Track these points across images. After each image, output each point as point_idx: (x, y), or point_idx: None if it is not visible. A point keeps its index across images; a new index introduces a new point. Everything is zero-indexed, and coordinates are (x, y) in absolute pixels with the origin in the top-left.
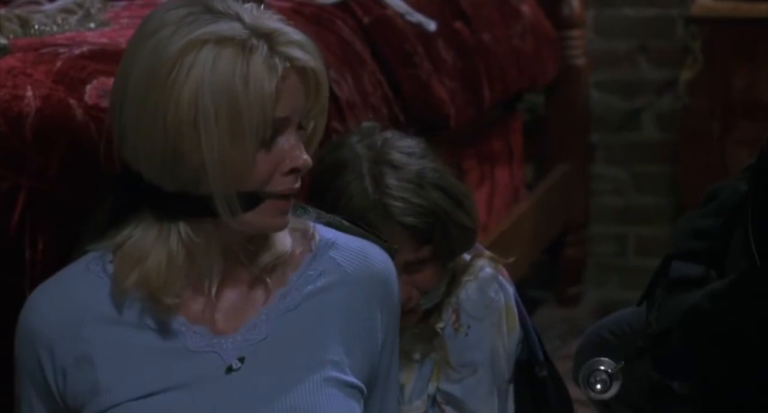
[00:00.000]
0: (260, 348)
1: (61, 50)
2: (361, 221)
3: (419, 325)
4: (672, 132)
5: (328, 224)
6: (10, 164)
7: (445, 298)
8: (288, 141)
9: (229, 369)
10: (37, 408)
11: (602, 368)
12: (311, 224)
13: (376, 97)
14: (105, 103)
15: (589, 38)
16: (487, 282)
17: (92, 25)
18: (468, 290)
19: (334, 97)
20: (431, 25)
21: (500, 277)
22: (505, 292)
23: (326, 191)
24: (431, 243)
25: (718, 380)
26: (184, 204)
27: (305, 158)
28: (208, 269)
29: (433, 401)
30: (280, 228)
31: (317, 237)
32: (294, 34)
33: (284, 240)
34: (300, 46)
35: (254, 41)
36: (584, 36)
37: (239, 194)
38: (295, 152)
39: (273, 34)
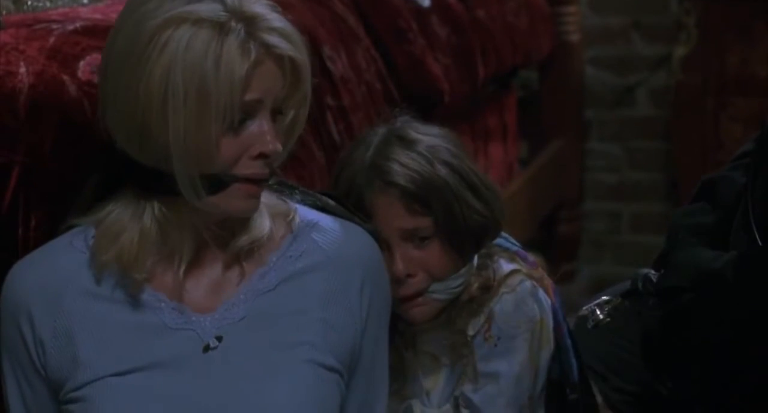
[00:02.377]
0: (238, 327)
1: (54, 26)
2: (352, 194)
3: (447, 329)
4: (666, 108)
5: (313, 204)
6: (3, 140)
7: (480, 306)
8: (259, 126)
9: (206, 348)
10: (22, 385)
11: (604, 299)
12: (293, 205)
13: (371, 73)
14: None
15: (583, 14)
16: (525, 297)
17: (85, 0)
18: (503, 303)
19: (327, 73)
20: (425, 1)
21: (540, 292)
22: (542, 307)
23: (337, 169)
24: (430, 215)
25: (727, 363)
26: (158, 181)
27: (275, 144)
28: (180, 247)
29: (455, 404)
30: (249, 212)
31: (298, 219)
32: (276, 21)
33: (262, 223)
34: (280, 33)
35: (233, 24)
36: (578, 12)
37: (204, 175)
38: (264, 137)
39: (254, 19)
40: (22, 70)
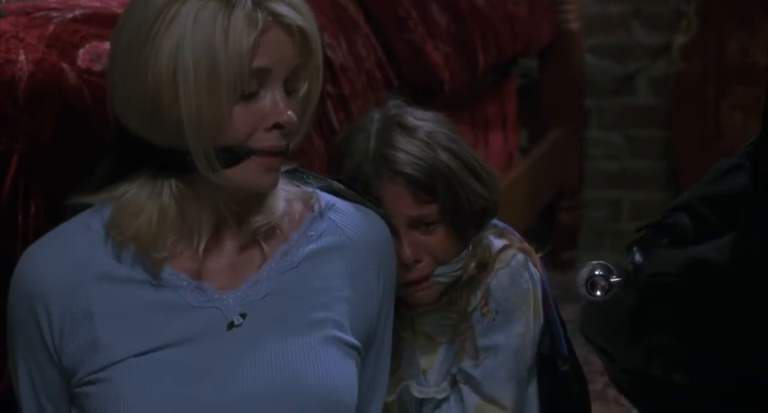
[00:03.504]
0: (261, 304)
1: (54, 14)
2: (358, 182)
3: (448, 310)
4: (666, 97)
5: (328, 189)
6: (2, 128)
7: (477, 283)
8: (272, 97)
9: (231, 325)
10: (33, 369)
11: (600, 273)
12: (311, 189)
13: (370, 62)
14: (98, 67)
15: (583, 2)
16: (519, 270)
17: None
18: (500, 278)
19: (327, 61)
20: None
21: (531, 265)
22: (534, 281)
23: (336, 155)
24: (436, 202)
25: (713, 344)
26: (172, 160)
27: (289, 114)
28: (198, 225)
29: (453, 380)
30: (268, 186)
31: (319, 200)
32: None
33: (277, 205)
34: (288, 3)
35: None
36: (578, 0)
37: (219, 149)
38: (278, 107)
39: None
40: (22, 58)
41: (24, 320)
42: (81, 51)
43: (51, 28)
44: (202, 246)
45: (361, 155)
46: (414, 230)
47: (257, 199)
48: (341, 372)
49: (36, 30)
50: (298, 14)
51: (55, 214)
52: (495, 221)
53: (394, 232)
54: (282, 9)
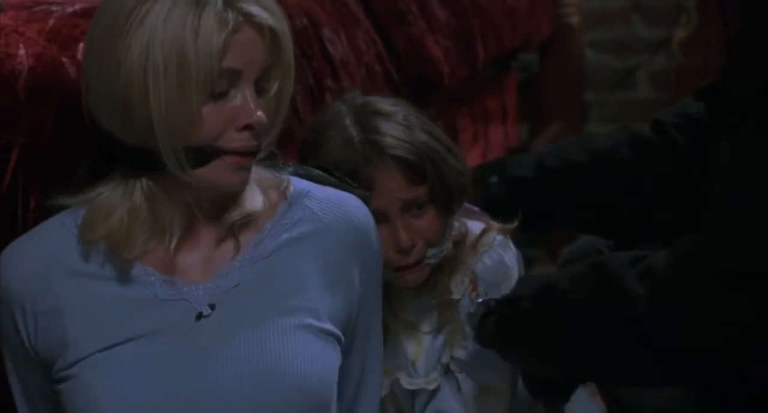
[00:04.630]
0: (232, 294)
1: (54, 8)
2: (342, 170)
3: (429, 294)
4: (666, 91)
5: (306, 176)
6: (2, 122)
7: (457, 264)
8: (242, 97)
9: (199, 316)
10: (20, 371)
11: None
12: (285, 176)
13: (370, 56)
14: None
15: None
16: (503, 249)
17: None
18: (484, 261)
19: (327, 56)
20: None
21: (510, 243)
22: (517, 258)
23: (309, 153)
24: (425, 183)
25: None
26: (142, 158)
27: (259, 114)
28: (170, 223)
29: (446, 370)
30: (238, 186)
31: (291, 188)
32: None
33: (254, 198)
34: (259, 3)
35: None
36: None
37: (188, 148)
38: (248, 106)
39: None
40: (22, 52)
41: (6, 322)
42: (81, 45)
43: (51, 22)
44: (173, 244)
45: (343, 146)
46: (406, 214)
47: (231, 195)
48: (317, 359)
49: (36, 24)
50: (268, 14)
51: (54, 208)
52: None
53: (383, 218)
54: (253, 9)
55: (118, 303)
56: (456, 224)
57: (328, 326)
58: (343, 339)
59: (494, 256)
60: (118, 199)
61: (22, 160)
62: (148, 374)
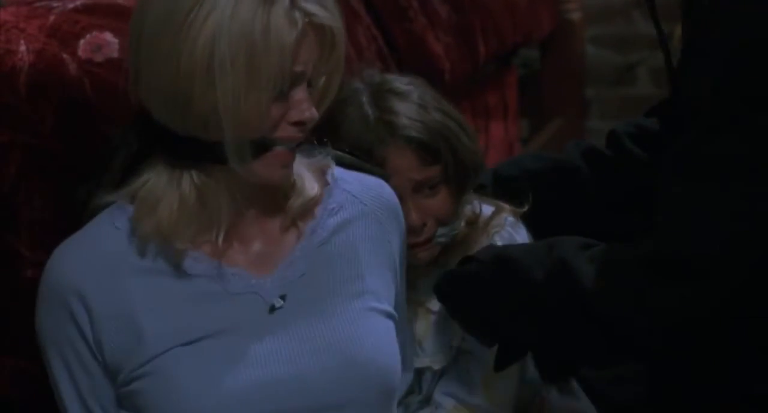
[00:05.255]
0: (299, 284)
1: (55, 4)
2: (359, 149)
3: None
4: (667, 87)
5: (335, 159)
6: (4, 119)
7: (470, 243)
8: (299, 93)
9: (272, 309)
10: (75, 372)
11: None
12: (328, 160)
13: (371, 52)
14: (99, 58)
15: None
16: (514, 230)
17: None
18: (496, 241)
19: None
20: None
21: (521, 224)
22: (527, 239)
23: (326, 130)
24: (439, 163)
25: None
26: (194, 149)
27: (312, 111)
28: (218, 214)
29: (456, 353)
30: (282, 181)
31: (333, 172)
32: None
33: (311, 183)
34: (319, 2)
35: None
36: None
37: (251, 141)
38: (303, 104)
39: None
40: (23, 48)
41: (59, 320)
42: (82, 42)
43: (52, 18)
44: (221, 236)
45: (359, 125)
46: (418, 195)
47: (289, 185)
48: (386, 340)
49: (36, 20)
50: (327, 12)
51: (58, 206)
52: None
53: (399, 198)
54: (314, 8)
55: (188, 299)
56: (469, 205)
57: (387, 307)
58: (397, 317)
59: (505, 236)
60: (163, 186)
61: (23, 157)
62: (230, 365)
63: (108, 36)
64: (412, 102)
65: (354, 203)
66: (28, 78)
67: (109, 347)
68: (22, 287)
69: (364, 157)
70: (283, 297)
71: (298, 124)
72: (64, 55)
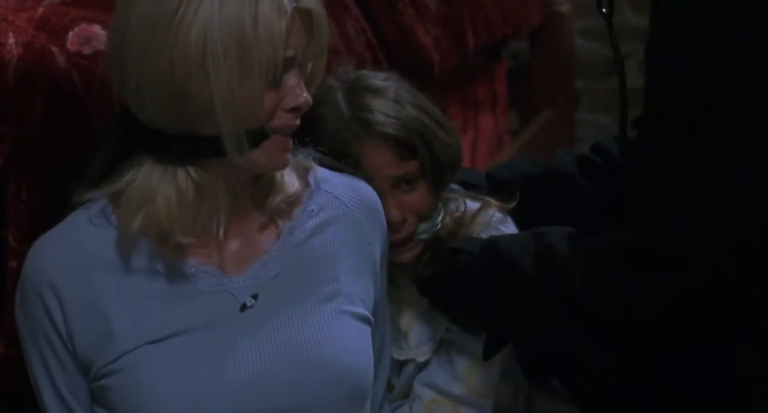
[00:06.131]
0: (272, 284)
1: None
2: (336, 147)
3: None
4: None
5: (316, 160)
6: None
7: (457, 238)
8: (292, 79)
9: (243, 307)
10: (50, 363)
11: None
12: (310, 160)
13: (360, 44)
14: (87, 50)
15: None
16: (503, 226)
17: None
18: (482, 235)
19: None
20: None
21: (509, 220)
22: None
23: (303, 129)
24: (416, 159)
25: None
26: (188, 146)
27: (305, 96)
28: (216, 209)
29: (439, 345)
30: (283, 166)
31: (315, 173)
32: None
33: (292, 181)
34: None
35: None
36: None
37: (247, 131)
38: (296, 90)
39: None
40: (11, 40)
41: (35, 312)
42: (70, 34)
43: (40, 10)
44: (222, 231)
45: (335, 123)
46: (396, 190)
47: (271, 178)
48: (357, 344)
49: (25, 13)
50: None
51: (47, 199)
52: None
53: (378, 194)
54: None
55: (161, 297)
56: (454, 204)
57: (362, 310)
58: (373, 321)
59: (493, 233)
60: (156, 184)
61: (12, 150)
62: (198, 364)
63: (97, 28)
64: (387, 98)
65: (335, 205)
66: (16, 70)
67: (79, 341)
68: (7, 277)
69: (341, 156)
70: (254, 296)
71: (293, 110)
72: (53, 48)
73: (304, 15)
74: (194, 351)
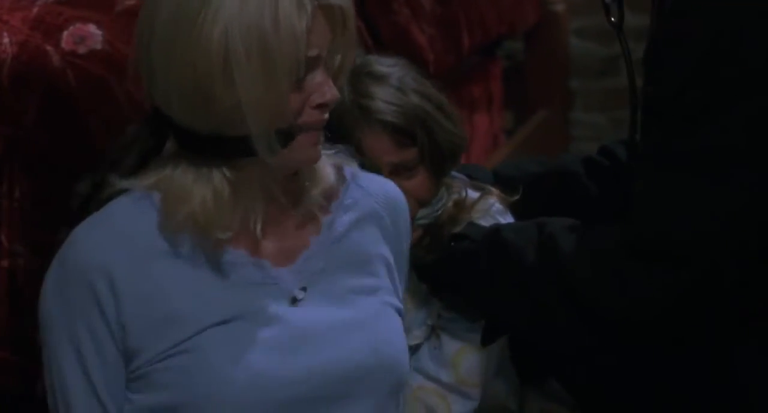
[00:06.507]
0: (319, 278)
1: None
2: (337, 131)
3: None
4: None
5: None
6: None
7: (457, 223)
8: (319, 76)
9: (294, 300)
10: (87, 355)
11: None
12: (342, 156)
13: None
14: (81, 49)
15: None
16: (502, 217)
17: None
18: (480, 223)
19: None
20: None
21: (509, 212)
22: None
23: None
24: (415, 146)
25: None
26: (220, 146)
27: (333, 92)
28: (252, 206)
29: (431, 332)
30: (315, 160)
31: (350, 169)
32: None
33: (329, 173)
34: None
35: None
36: None
37: (277, 131)
38: (323, 87)
39: None
40: (6, 40)
41: (79, 305)
42: (65, 33)
43: (35, 10)
44: (259, 226)
45: (337, 108)
46: (396, 177)
47: (307, 171)
48: (399, 336)
49: (20, 12)
50: None
51: (40, 197)
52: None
53: (383, 172)
54: None
55: (214, 286)
56: (456, 190)
57: (398, 302)
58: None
59: (491, 222)
60: (191, 184)
61: (6, 148)
62: (265, 348)
63: (91, 28)
64: (389, 85)
65: (367, 199)
66: (11, 70)
67: (135, 328)
68: None
69: (343, 141)
70: (304, 289)
71: (321, 106)
72: (48, 47)
73: (328, 11)
74: (257, 337)
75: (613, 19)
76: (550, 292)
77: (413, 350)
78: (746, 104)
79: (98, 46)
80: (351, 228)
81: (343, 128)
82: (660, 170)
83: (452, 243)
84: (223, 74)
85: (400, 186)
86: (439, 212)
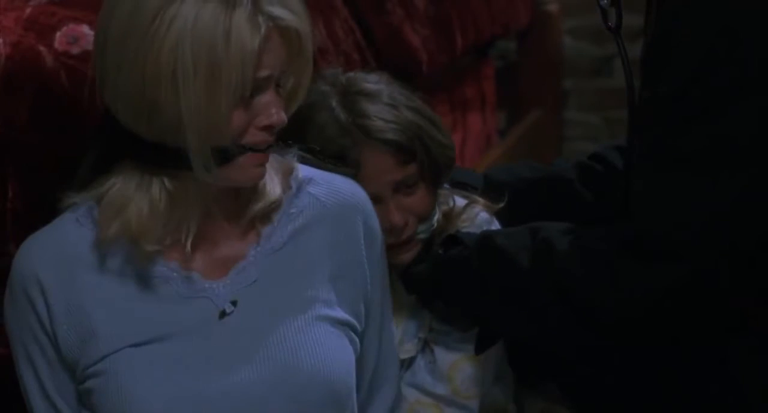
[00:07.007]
0: (251, 290)
1: None
2: (332, 154)
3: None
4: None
5: (299, 159)
6: None
7: (444, 234)
8: (266, 98)
9: (223, 314)
10: (37, 361)
11: None
12: (293, 162)
13: (348, 44)
14: (75, 50)
15: None
16: (488, 226)
17: None
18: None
19: None
20: None
21: (495, 221)
22: None
23: (292, 134)
24: (415, 162)
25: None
26: (162, 155)
27: (281, 115)
28: (186, 219)
29: (424, 344)
30: (257, 180)
31: (298, 175)
32: None
33: (274, 187)
34: (284, 4)
35: None
36: None
37: (214, 148)
38: (270, 109)
39: None
40: None
41: (24, 313)
42: (58, 34)
43: (28, 10)
44: (189, 240)
45: (331, 129)
46: (397, 194)
47: (251, 188)
48: (335, 351)
49: (13, 12)
50: (293, 15)
51: (33, 198)
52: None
53: (379, 199)
54: (279, 12)
55: (142, 300)
56: (444, 200)
57: (342, 315)
58: (359, 326)
59: (477, 229)
60: (132, 191)
61: None
62: (181, 370)
63: (85, 28)
64: (382, 103)
65: (316, 207)
66: (4, 70)
67: (64, 340)
68: None
69: (339, 162)
70: (234, 303)
71: (266, 128)
72: (41, 48)
73: (285, 32)
74: (176, 357)
75: (610, 23)
76: (545, 294)
77: (406, 363)
78: (745, 104)
79: (91, 47)
80: (292, 237)
81: (339, 149)
82: (659, 169)
83: (440, 251)
84: (171, 83)
85: (402, 204)
86: (435, 224)
